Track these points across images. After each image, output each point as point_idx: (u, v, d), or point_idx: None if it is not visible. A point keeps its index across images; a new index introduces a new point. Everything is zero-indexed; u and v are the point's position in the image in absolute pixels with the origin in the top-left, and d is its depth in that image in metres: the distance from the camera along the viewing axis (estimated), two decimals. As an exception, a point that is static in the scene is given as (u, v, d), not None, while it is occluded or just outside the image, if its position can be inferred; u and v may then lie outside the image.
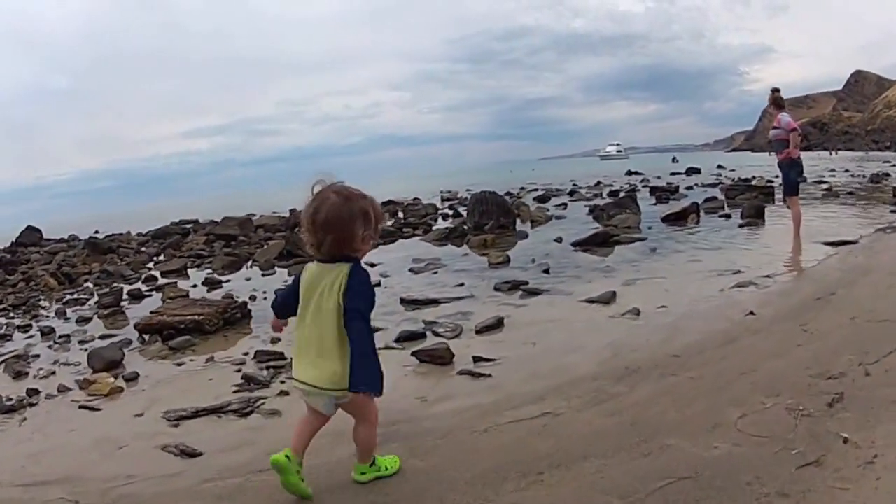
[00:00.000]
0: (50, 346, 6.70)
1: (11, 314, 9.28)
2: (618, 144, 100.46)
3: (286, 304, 2.46)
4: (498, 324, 5.29)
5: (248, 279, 9.86)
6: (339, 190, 2.24)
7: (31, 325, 8.03)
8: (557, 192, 21.15)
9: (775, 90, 8.20)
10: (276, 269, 10.62)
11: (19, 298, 10.52)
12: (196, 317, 6.52)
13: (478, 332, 5.16)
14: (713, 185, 18.36)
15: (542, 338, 4.74)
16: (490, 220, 12.57)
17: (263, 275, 10.08)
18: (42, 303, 10.12)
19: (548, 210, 15.30)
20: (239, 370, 4.86)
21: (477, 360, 4.33)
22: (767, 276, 6.01)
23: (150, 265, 12.96)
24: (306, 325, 2.28)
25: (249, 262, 11.65)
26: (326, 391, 2.25)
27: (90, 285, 11.24)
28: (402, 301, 6.54)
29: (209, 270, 11.44)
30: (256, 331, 6.25)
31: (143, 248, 17.28)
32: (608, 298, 5.69)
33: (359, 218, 2.21)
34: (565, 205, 16.72)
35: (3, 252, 19.45)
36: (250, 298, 8.04)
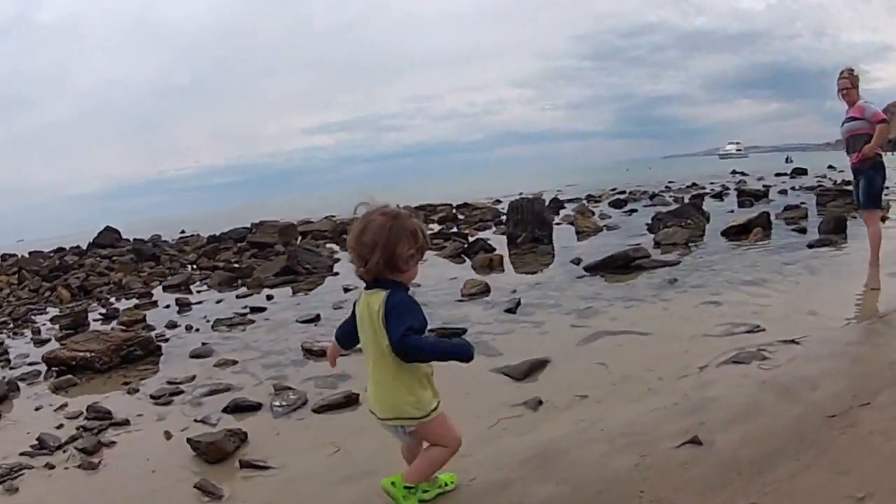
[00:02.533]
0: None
1: (8, 327, 9.33)
2: (737, 143, 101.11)
3: (347, 333, 2.58)
4: (346, 402, 4.25)
5: (220, 301, 9.31)
6: (387, 211, 2.31)
7: (1, 343, 8.11)
8: (641, 196, 20.06)
9: (851, 70, 6.24)
10: (262, 289, 10.01)
11: (30, 309, 10.72)
12: (87, 353, 6.13)
13: (316, 410, 4.22)
14: (811, 189, 16.35)
15: (361, 439, 3.55)
16: (524, 231, 11.34)
17: (239, 296, 9.46)
18: (38, 317, 10.21)
19: (610, 217, 14.51)
20: (61, 426, 4.54)
21: (245, 465, 3.43)
22: (791, 342, 4.27)
23: (176, 276, 12.83)
24: (365, 355, 2.41)
25: (248, 280, 11.07)
26: (389, 421, 2.37)
27: (92, 301, 11.25)
28: (304, 350, 5.70)
29: (206, 287, 11.10)
30: (150, 372, 5.84)
31: (188, 255, 17.55)
32: (524, 372, 4.38)
33: (407, 237, 2.26)
34: (635, 211, 15.69)
35: (74, 254, 20.71)
36: (187, 328, 7.55)
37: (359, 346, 2.51)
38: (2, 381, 5.79)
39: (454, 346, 2.43)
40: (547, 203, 20.98)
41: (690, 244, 9.25)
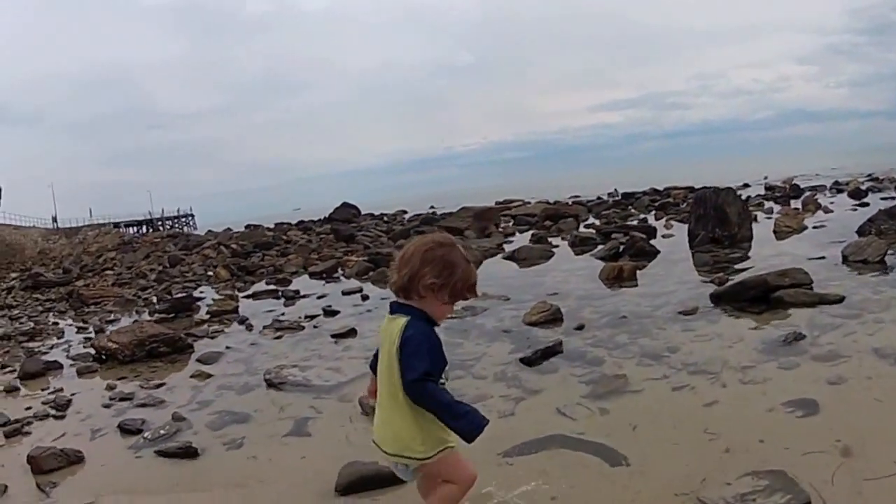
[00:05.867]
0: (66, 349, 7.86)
1: (142, 304, 10.80)
2: None
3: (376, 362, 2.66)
4: (183, 453, 4.01)
5: (323, 296, 9.54)
6: (442, 236, 2.49)
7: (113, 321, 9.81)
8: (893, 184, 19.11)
9: None
10: (385, 284, 10.04)
11: (185, 287, 12.23)
12: (114, 345, 6.83)
13: (157, 452, 4.10)
14: None
15: None
16: (703, 230, 9.93)
17: (345, 292, 9.73)
18: (175, 294, 11.51)
19: (832, 212, 13.66)
20: (30, 408, 5.21)
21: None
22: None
23: (326, 262, 13.63)
24: (378, 382, 2.48)
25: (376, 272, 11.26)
26: (392, 456, 2.41)
27: (243, 282, 12.54)
28: (265, 381, 5.44)
29: (345, 277, 11.64)
30: (149, 370, 6.28)
31: (382, 237, 18.42)
32: (345, 487, 3.30)
33: (437, 263, 2.33)
34: (867, 205, 14.48)
35: (299, 229, 23.43)
36: (247, 327, 7.99)
37: None
38: (39, 359, 6.98)
39: (461, 418, 2.25)
40: (787, 189, 19.98)
41: (889, 261, 7.20)
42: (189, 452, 3.98)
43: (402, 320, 2.32)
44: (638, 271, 8.32)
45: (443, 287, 2.32)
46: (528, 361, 5.14)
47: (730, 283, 6.55)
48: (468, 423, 2.24)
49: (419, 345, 2.26)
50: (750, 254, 9.33)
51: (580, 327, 5.99)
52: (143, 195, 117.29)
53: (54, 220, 57.24)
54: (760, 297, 5.93)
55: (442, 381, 2.41)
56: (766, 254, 9.12)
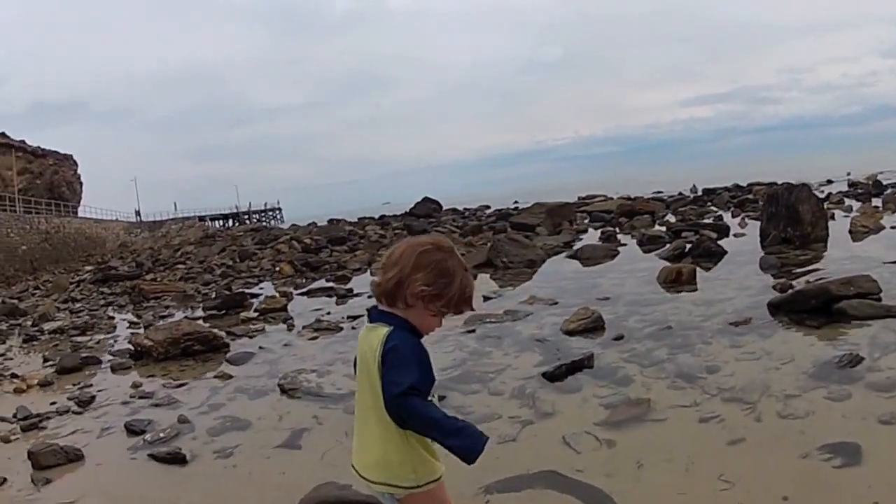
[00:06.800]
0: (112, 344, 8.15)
1: (200, 299, 11.07)
2: None
3: None
4: (172, 458, 3.99)
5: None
6: (439, 239, 2.22)
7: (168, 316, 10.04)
8: None
9: None
10: None
11: (247, 282, 12.43)
12: (149, 342, 6.91)
13: (150, 455, 4.08)
14: None
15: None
16: (775, 229, 9.54)
17: None
18: (235, 290, 11.70)
19: None
20: (55, 403, 5.45)
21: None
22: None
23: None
24: (357, 399, 2.25)
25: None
26: (377, 485, 2.15)
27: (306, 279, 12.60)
28: (279, 387, 5.34)
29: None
30: (178, 369, 6.34)
31: (455, 232, 18.24)
32: None
33: (431, 270, 2.05)
34: None
35: (377, 223, 23.59)
36: (289, 327, 7.94)
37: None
38: (78, 354, 7.24)
39: (456, 435, 1.94)
40: (870, 186, 19.06)
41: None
42: (178, 458, 3.98)
43: (383, 330, 2.06)
44: (700, 273, 7.78)
45: (435, 297, 2.05)
46: (550, 376, 4.76)
47: (790, 290, 5.96)
48: (466, 441, 1.94)
49: (404, 357, 1.99)
50: (821, 256, 8.79)
51: (619, 338, 5.56)
52: (230, 189, 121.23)
53: (137, 213, 59.66)
54: (821, 308, 5.36)
55: (430, 397, 2.11)
56: (837, 256, 8.60)
